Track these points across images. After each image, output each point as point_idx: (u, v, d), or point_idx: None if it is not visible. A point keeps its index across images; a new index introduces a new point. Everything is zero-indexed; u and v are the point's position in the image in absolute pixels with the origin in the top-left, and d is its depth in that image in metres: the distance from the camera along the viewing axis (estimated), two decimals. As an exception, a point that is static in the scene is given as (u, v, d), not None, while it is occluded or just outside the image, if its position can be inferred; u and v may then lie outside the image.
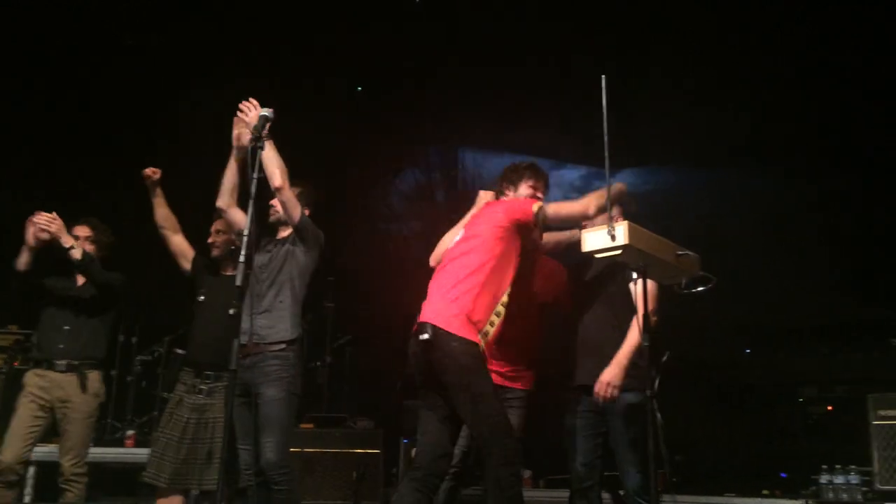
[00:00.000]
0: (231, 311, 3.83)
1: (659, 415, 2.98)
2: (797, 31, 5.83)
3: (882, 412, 4.59)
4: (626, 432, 3.37)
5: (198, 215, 4.20)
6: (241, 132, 3.50)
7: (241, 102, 3.37)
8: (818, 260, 6.07)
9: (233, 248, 4.06)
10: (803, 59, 5.90)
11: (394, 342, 6.88)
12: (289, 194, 3.48)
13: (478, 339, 3.15)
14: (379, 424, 5.69)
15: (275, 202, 3.62)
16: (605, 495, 4.63)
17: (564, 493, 3.82)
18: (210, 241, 4.13)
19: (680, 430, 3.56)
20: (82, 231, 4.25)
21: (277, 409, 3.35)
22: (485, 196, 3.65)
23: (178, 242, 4.16)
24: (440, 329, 3.11)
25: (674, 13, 5.92)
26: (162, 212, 4.13)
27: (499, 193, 3.58)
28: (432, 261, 3.61)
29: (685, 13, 5.88)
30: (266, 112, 3.24)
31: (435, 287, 3.32)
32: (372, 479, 5.27)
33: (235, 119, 3.48)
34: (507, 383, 3.60)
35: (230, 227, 3.93)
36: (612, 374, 3.34)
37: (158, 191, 4.13)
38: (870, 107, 5.86)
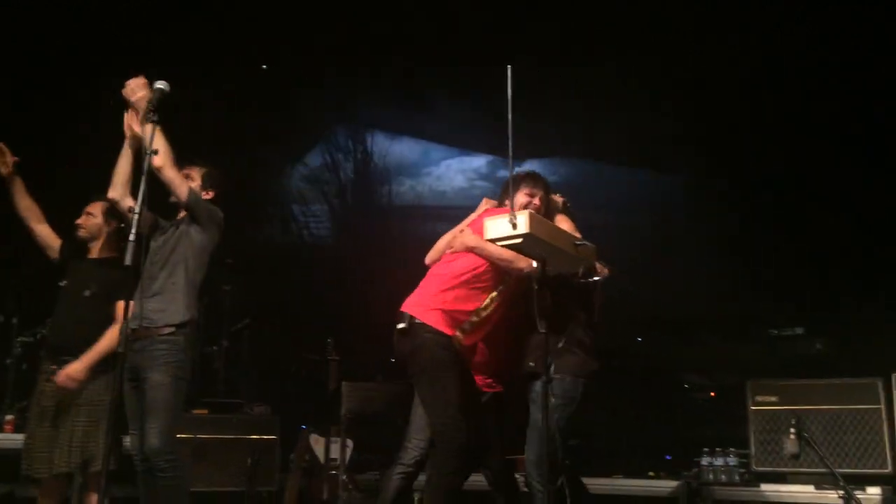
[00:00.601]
0: (86, 293, 3.80)
1: (553, 399, 3.06)
2: (704, 29, 6.05)
3: (759, 398, 4.87)
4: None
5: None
6: (133, 120, 3.40)
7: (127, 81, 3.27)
8: (707, 256, 6.37)
9: (111, 230, 3.99)
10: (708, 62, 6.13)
11: (294, 327, 6.83)
12: (171, 173, 3.37)
13: (449, 331, 3.29)
14: (276, 411, 5.61)
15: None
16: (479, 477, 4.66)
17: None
18: (78, 221, 4.00)
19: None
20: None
21: (163, 394, 3.27)
22: (486, 203, 3.69)
23: (43, 232, 4.00)
24: (416, 319, 3.30)
25: (586, 6, 6.04)
26: (24, 202, 3.94)
27: (500, 202, 3.64)
28: (427, 259, 3.72)
29: (599, 7, 6.01)
30: (161, 84, 3.12)
31: (423, 283, 3.51)
32: (267, 466, 5.19)
33: (128, 109, 3.40)
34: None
35: (107, 214, 3.90)
36: None
37: (17, 180, 3.92)
38: (763, 112, 6.16)
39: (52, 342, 3.90)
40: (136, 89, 3.29)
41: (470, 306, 3.41)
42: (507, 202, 3.12)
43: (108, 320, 3.79)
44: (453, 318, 3.37)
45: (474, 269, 3.44)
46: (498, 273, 3.45)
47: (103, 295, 3.83)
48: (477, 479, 3.99)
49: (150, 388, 3.27)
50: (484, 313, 3.41)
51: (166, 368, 3.31)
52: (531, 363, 3.49)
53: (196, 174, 3.69)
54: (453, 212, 8.00)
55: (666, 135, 6.68)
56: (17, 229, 4.04)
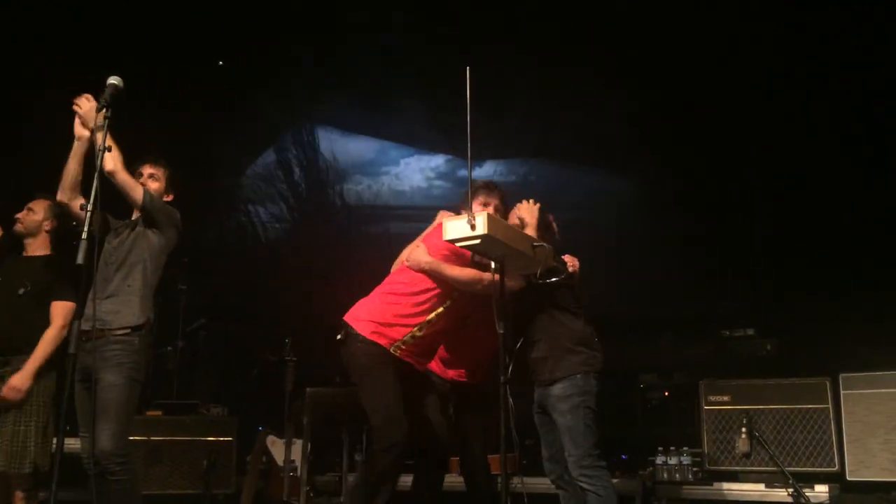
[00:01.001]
0: (21, 291, 3.75)
1: (511, 400, 3.08)
2: (667, 27, 6.14)
3: (712, 398, 4.97)
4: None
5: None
6: (81, 124, 3.37)
7: (74, 98, 3.28)
8: (662, 256, 6.46)
9: (49, 229, 3.96)
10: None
11: (250, 327, 6.76)
12: (123, 176, 3.33)
13: (384, 342, 3.38)
14: (233, 411, 5.54)
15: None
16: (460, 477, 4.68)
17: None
18: (17, 216, 3.93)
19: (531, 416, 3.69)
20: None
21: (116, 395, 3.21)
22: (441, 215, 3.68)
23: None
24: (351, 329, 3.42)
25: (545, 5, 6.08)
26: None
27: (457, 212, 3.64)
28: (392, 268, 3.77)
29: (557, 6, 6.05)
30: (114, 80, 3.05)
31: (373, 292, 3.60)
32: (224, 468, 5.13)
33: (75, 109, 3.36)
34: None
35: (49, 212, 3.89)
36: None
37: None
38: (725, 113, 6.26)
39: None
40: (82, 105, 3.33)
41: (412, 321, 3.44)
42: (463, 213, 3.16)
43: (43, 320, 3.75)
44: (391, 331, 3.42)
45: (422, 288, 3.46)
46: (447, 290, 3.46)
47: (38, 294, 3.79)
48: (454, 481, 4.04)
49: (103, 389, 3.20)
50: (427, 329, 3.44)
51: (119, 369, 3.25)
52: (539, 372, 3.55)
53: (161, 175, 3.64)
54: (412, 211, 8.00)
55: (620, 135, 6.77)
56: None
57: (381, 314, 3.44)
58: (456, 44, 6.03)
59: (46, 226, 3.95)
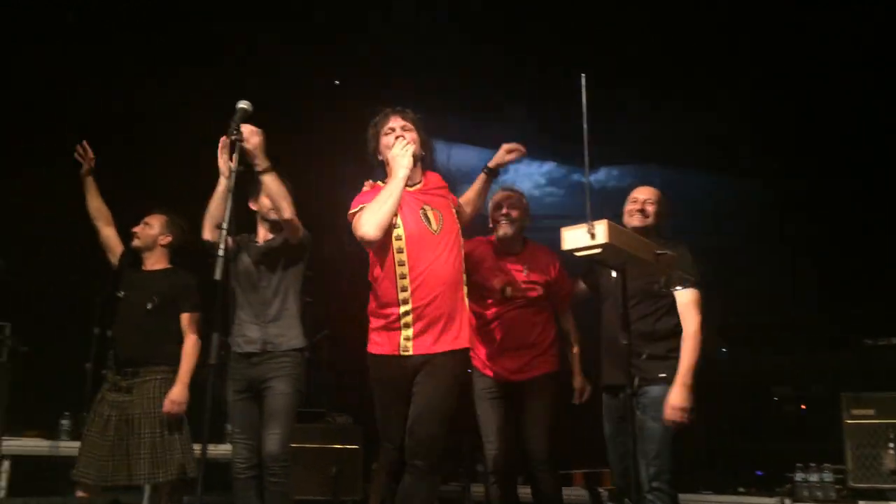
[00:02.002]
0: (149, 306, 3.94)
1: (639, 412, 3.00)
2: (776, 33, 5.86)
3: (855, 411, 4.66)
4: (650, 426, 3.32)
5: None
6: (226, 160, 3.28)
7: (228, 132, 3.12)
8: (798, 260, 6.13)
9: (165, 244, 4.11)
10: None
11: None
12: (296, 221, 3.48)
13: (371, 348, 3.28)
14: (357, 421, 5.66)
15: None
16: (582, 492, 4.63)
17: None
18: (134, 230, 4.10)
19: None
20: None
21: (285, 403, 3.42)
22: (367, 185, 3.49)
23: (108, 236, 4.12)
24: None
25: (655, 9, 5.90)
26: (94, 203, 4.07)
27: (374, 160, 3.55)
28: None
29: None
30: (244, 105, 3.14)
31: None
32: (351, 475, 5.25)
33: (220, 146, 3.31)
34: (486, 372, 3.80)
35: (165, 227, 4.09)
36: (679, 397, 3.26)
37: (91, 180, 4.04)
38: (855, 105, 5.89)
39: (117, 354, 3.99)
40: (254, 141, 3.21)
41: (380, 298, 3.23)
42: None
43: (172, 332, 3.95)
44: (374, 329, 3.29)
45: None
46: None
47: (164, 307, 3.97)
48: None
49: (274, 396, 3.41)
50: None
51: (289, 380, 3.46)
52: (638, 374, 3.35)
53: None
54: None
55: (739, 137, 6.47)
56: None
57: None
58: (564, 47, 5.95)
59: (162, 240, 4.10)
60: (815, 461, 4.63)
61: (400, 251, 3.13)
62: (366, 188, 3.35)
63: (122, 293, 4.03)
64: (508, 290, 3.77)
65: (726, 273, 5.79)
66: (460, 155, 8.23)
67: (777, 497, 4.62)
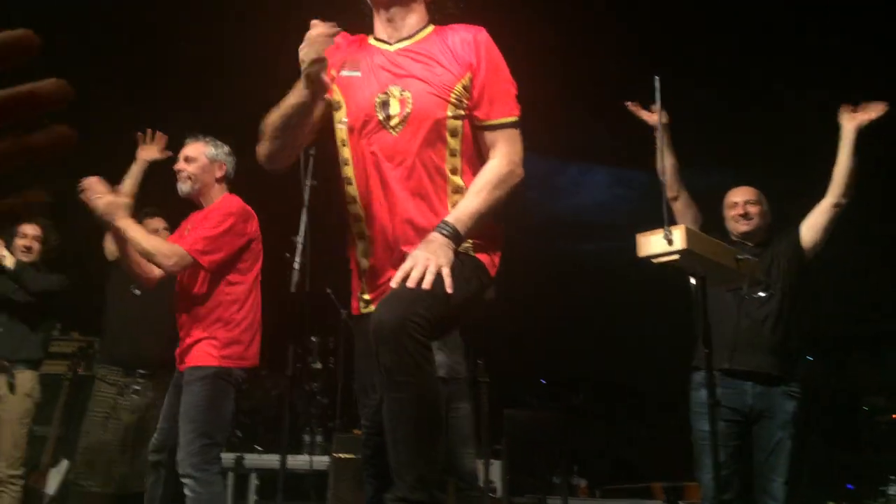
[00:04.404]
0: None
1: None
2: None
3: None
4: (785, 439, 3.23)
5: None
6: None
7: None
8: (891, 270, 5.85)
9: None
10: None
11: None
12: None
13: None
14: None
15: None
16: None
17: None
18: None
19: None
20: (31, 230, 4.11)
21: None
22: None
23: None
24: None
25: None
26: (132, 189, 3.73)
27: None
28: None
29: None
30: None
31: None
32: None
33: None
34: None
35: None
36: None
37: (144, 168, 3.75)
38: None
39: (125, 357, 3.96)
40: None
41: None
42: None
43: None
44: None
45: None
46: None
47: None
48: None
49: (460, 417, 3.32)
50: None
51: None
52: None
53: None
54: (596, 226, 7.80)
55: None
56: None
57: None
58: (641, 52, 5.84)
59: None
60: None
61: (346, 163, 2.11)
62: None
63: (138, 291, 3.93)
64: None
65: (819, 280, 5.57)
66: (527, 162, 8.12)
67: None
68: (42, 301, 4.07)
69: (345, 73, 2.09)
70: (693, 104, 5.75)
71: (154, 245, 3.01)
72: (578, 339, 5.74)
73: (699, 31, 5.81)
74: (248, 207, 3.20)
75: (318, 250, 3.55)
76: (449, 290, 1.75)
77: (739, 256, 2.97)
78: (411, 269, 1.74)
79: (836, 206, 3.33)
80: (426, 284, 1.70)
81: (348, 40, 2.17)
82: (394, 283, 1.77)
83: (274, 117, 2.02)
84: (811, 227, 3.38)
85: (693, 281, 3.14)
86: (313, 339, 5.04)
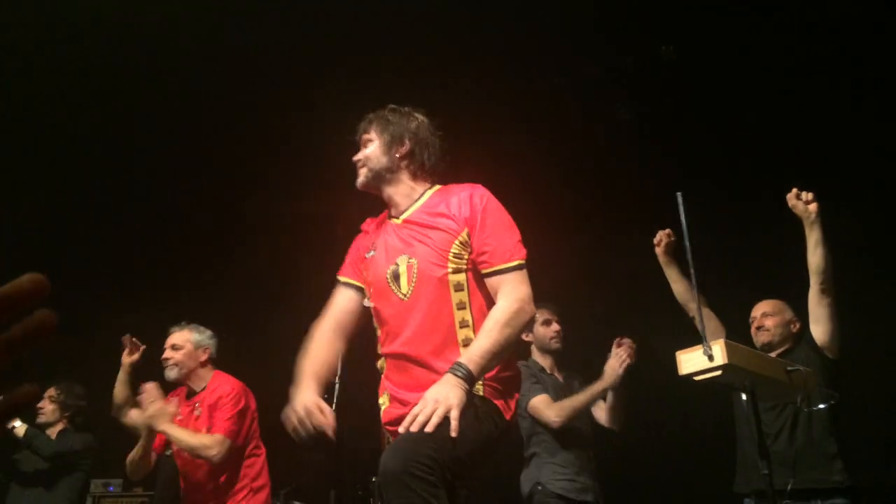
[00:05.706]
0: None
1: None
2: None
3: None
4: None
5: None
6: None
7: None
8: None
9: None
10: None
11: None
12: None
13: None
14: None
15: None
16: None
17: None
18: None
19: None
20: (48, 392, 4.26)
21: None
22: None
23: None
24: None
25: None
26: (122, 394, 3.84)
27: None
28: None
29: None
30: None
31: None
32: None
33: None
34: None
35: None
36: None
37: (130, 372, 3.84)
38: None
39: None
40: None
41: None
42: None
43: None
44: None
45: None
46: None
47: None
48: None
49: None
50: None
51: None
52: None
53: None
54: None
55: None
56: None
57: None
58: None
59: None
60: None
61: (376, 330, 2.37)
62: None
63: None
64: None
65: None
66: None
67: None
68: (59, 463, 4.21)
69: (368, 254, 2.35)
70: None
71: (199, 441, 3.37)
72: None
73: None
74: (242, 383, 3.60)
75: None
76: (453, 433, 1.82)
77: (790, 368, 2.82)
78: (419, 413, 1.84)
79: (822, 291, 3.27)
80: (429, 428, 1.76)
81: (375, 223, 2.44)
82: (401, 429, 1.88)
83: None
84: (815, 322, 3.35)
85: (744, 397, 3.00)
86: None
